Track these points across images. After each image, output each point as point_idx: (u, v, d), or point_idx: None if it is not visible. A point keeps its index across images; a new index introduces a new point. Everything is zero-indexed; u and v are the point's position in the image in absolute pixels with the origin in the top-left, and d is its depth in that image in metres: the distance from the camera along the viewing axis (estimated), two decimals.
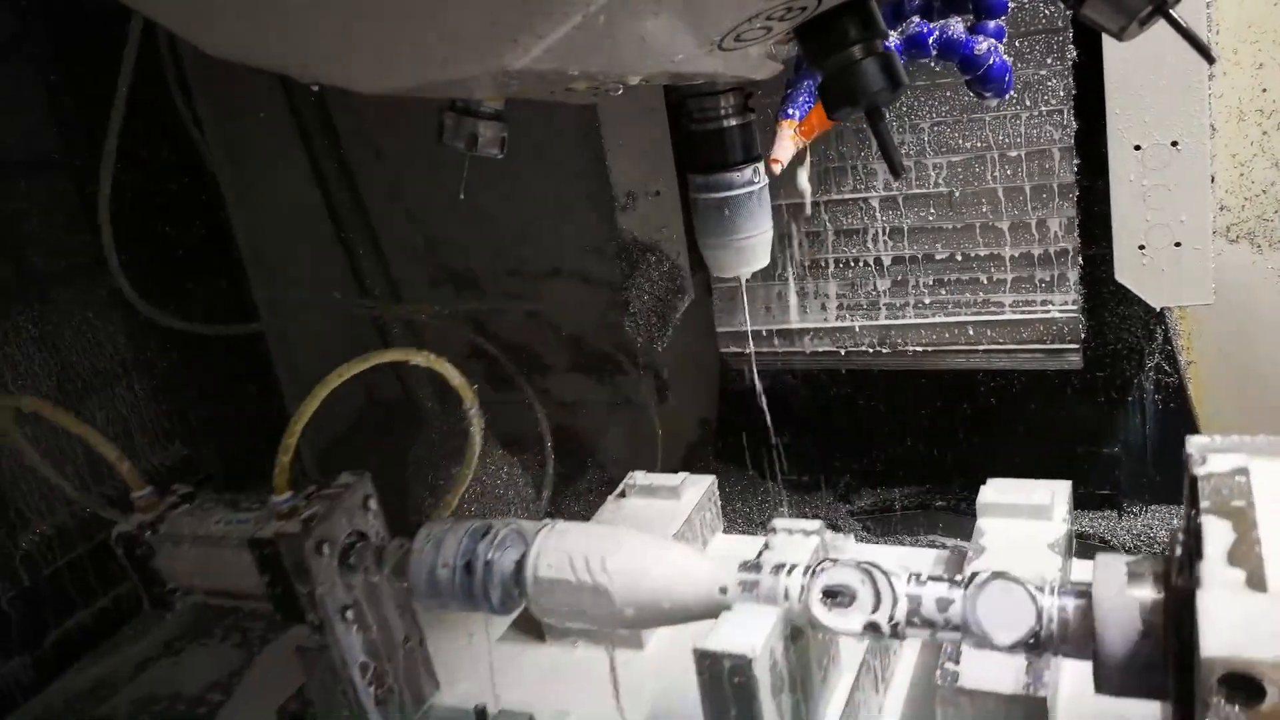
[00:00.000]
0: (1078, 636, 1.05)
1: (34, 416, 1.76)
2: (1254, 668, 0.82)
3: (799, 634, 1.26)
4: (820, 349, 1.98)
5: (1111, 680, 1.01)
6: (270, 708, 1.54)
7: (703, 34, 0.92)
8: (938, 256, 1.84)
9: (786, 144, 1.50)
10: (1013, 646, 1.07)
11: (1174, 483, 1.97)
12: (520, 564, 1.34)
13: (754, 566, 1.25)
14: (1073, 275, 1.77)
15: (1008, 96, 1.67)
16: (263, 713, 1.64)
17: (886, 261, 1.88)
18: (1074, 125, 1.69)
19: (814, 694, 1.34)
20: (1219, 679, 0.83)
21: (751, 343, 1.97)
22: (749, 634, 1.18)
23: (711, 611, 1.23)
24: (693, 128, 1.33)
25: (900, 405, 2.14)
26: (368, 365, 1.54)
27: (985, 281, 1.82)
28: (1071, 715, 1.36)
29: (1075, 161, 1.71)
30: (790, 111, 1.52)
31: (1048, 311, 1.80)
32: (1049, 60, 1.67)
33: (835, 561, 1.20)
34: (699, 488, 1.93)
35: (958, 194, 1.80)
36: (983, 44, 1.43)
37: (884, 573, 1.16)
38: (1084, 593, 1.06)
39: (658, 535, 1.35)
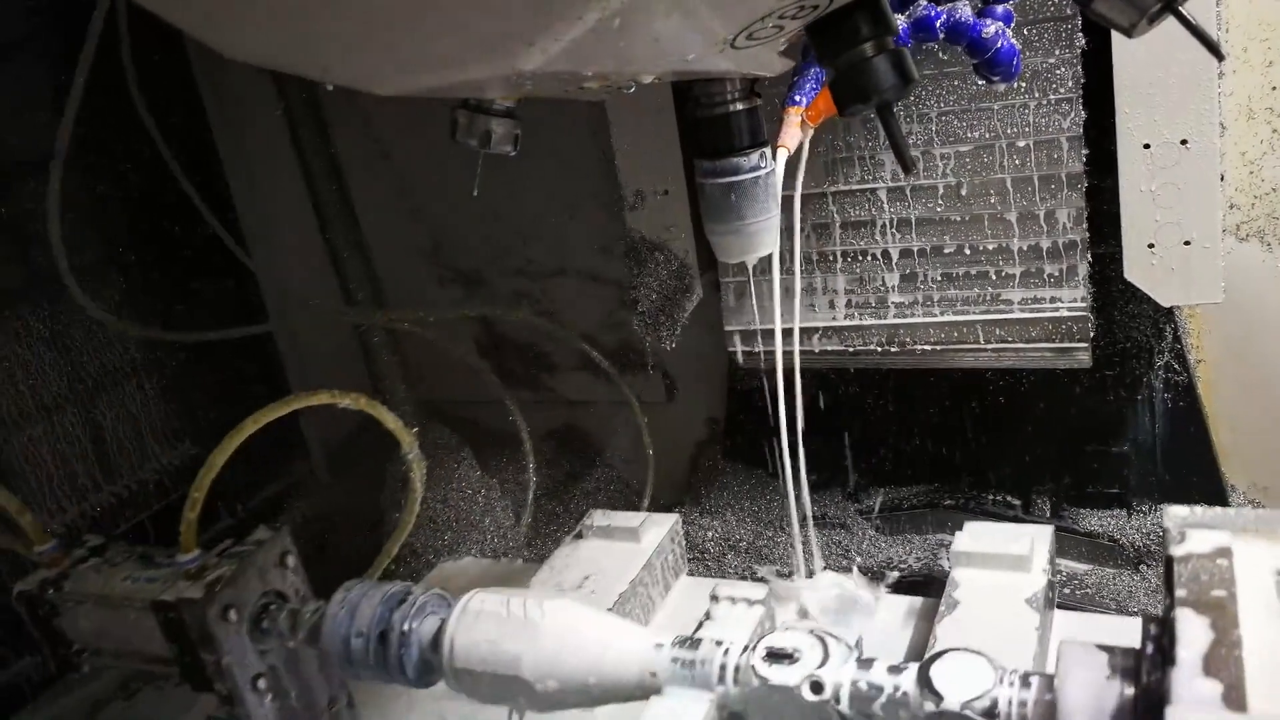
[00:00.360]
0: None
1: None
2: None
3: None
4: (829, 348, 1.98)
5: None
6: None
7: (715, 34, 0.92)
8: (946, 250, 1.84)
9: (793, 130, 1.49)
10: None
11: (1183, 482, 1.97)
12: (438, 638, 1.25)
13: (691, 643, 1.18)
14: (1081, 268, 1.76)
15: (1016, 85, 1.67)
16: None
17: (895, 255, 1.87)
18: (1082, 114, 1.69)
19: None
20: None
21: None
22: None
23: (642, 694, 1.18)
24: (699, 113, 1.33)
25: (909, 404, 2.14)
26: (288, 409, 1.47)
27: (994, 276, 1.82)
28: None
29: (1084, 151, 1.70)
30: (797, 98, 1.52)
31: (1056, 310, 1.80)
32: (1057, 49, 1.66)
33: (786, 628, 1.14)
34: (661, 528, 1.90)
35: (965, 185, 1.79)
36: (990, 27, 1.43)
37: (834, 638, 1.11)
38: (1048, 684, 0.97)
39: (586, 608, 1.26)
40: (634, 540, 1.88)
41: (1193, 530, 0.93)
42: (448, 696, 1.30)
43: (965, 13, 1.43)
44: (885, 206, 1.85)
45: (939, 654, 1.04)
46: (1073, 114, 1.68)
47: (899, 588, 1.90)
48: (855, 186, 1.86)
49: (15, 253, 2.16)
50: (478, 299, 2.57)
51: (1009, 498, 2.09)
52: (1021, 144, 1.73)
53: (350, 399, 1.55)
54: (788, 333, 1.96)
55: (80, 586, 1.50)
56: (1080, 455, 2.01)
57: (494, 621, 1.24)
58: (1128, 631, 0.98)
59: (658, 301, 2.05)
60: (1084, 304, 1.78)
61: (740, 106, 1.30)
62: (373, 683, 1.34)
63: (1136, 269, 1.69)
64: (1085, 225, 1.73)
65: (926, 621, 1.68)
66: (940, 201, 1.81)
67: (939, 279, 1.86)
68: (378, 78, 0.87)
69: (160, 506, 2.39)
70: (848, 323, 1.95)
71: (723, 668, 1.14)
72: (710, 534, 2.15)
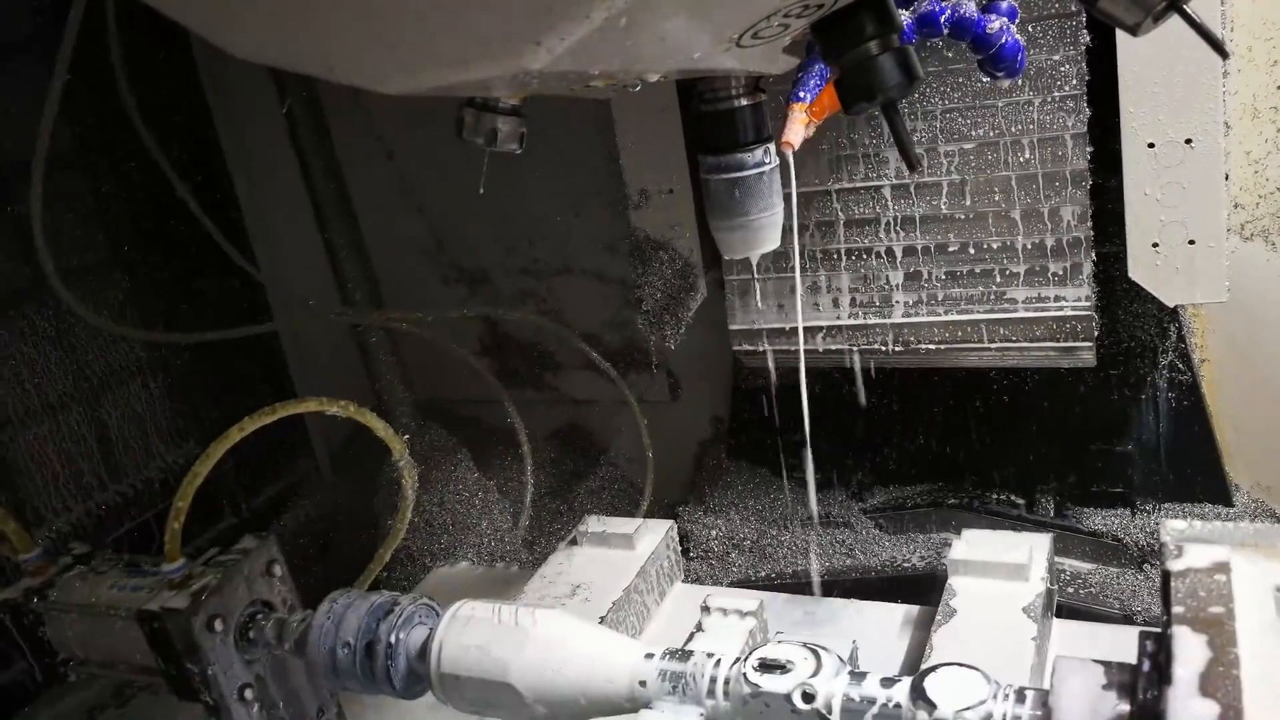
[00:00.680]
0: None
1: None
2: None
3: None
4: (833, 347, 1.98)
5: None
6: None
7: (721, 32, 0.92)
8: (950, 248, 1.84)
9: (798, 127, 1.49)
10: None
11: (1187, 481, 1.97)
12: (425, 647, 1.25)
13: (681, 655, 1.18)
14: (1086, 266, 1.76)
15: (1020, 82, 1.67)
16: None
17: (899, 253, 1.87)
18: (1087, 112, 1.68)
19: None
20: None
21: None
22: None
23: (631, 706, 1.18)
24: (703, 108, 1.33)
25: (913, 403, 2.14)
26: (274, 418, 1.45)
27: (998, 275, 1.82)
28: None
29: (1088, 150, 1.70)
30: (801, 94, 1.51)
31: (1061, 309, 1.80)
32: (1062, 46, 1.66)
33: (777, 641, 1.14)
34: (656, 535, 1.91)
35: (970, 182, 1.79)
36: (995, 23, 1.42)
37: (826, 650, 1.11)
38: (1043, 699, 0.97)
39: (576, 618, 1.26)
40: (629, 547, 1.88)
41: (1190, 545, 0.92)
42: (437, 706, 1.30)
43: (969, 8, 1.42)
44: (889, 204, 1.85)
45: (932, 668, 1.04)
46: (1077, 112, 1.68)
47: (900, 590, 1.90)
48: (859, 184, 1.86)
49: (20, 252, 2.16)
50: (482, 298, 2.58)
51: (1013, 497, 2.08)
52: (1026, 141, 1.73)
53: (339, 406, 1.53)
54: (793, 331, 1.96)
55: (65, 595, 1.49)
56: (1084, 454, 2.01)
57: (484, 628, 1.24)
58: (1127, 642, 0.97)
59: (662, 300, 2.05)
60: (1088, 303, 1.78)
61: (745, 102, 1.31)
62: (360, 693, 1.34)
63: (1141, 268, 1.69)
64: (1089, 223, 1.73)
65: (923, 630, 1.68)
66: (945, 199, 1.81)
67: (943, 277, 1.86)
68: (383, 76, 0.88)
69: (165, 506, 2.39)
70: (852, 322, 1.94)
71: (713, 680, 1.14)
72: (714, 533, 2.15)
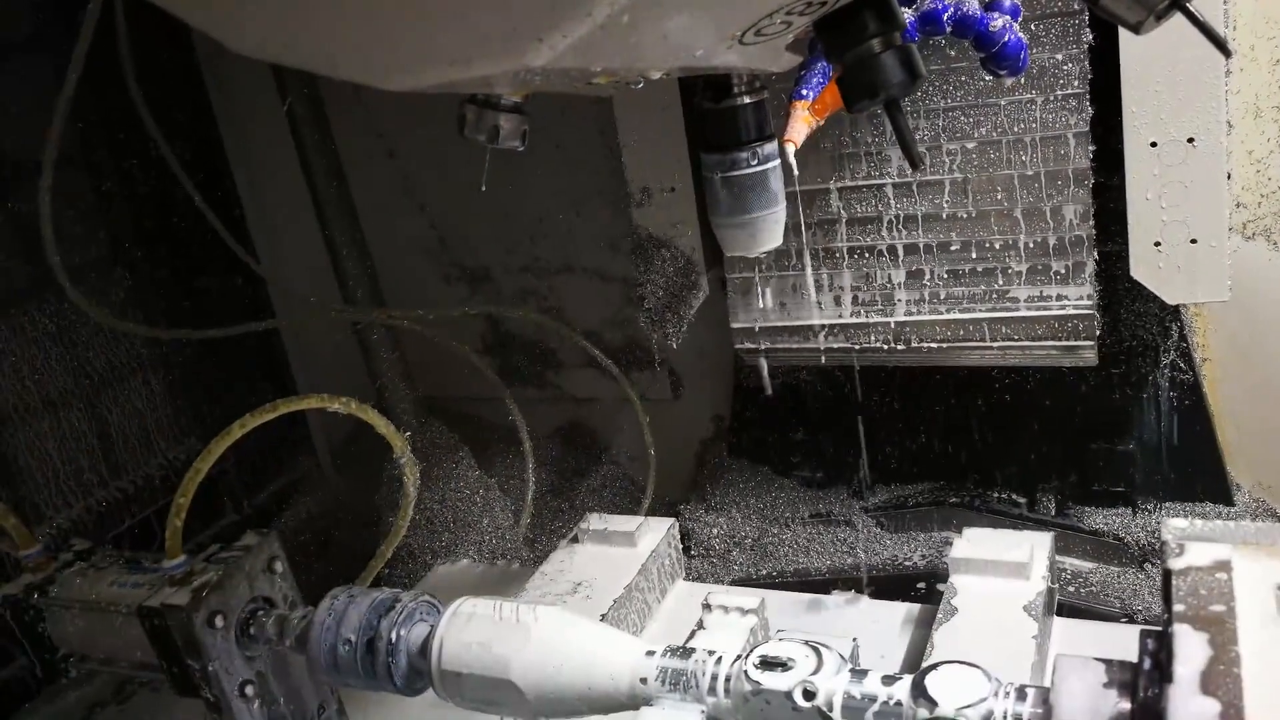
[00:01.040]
0: None
1: None
2: None
3: None
4: (835, 345, 1.97)
5: None
6: None
7: (724, 30, 0.92)
8: (953, 246, 1.83)
9: (800, 125, 1.49)
10: None
11: (1188, 480, 1.97)
12: (426, 644, 1.25)
13: (682, 652, 1.17)
14: (1088, 265, 1.75)
15: (1022, 80, 1.66)
16: None
17: (901, 251, 1.87)
18: (1089, 111, 1.68)
19: None
20: None
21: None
22: None
23: (632, 704, 1.18)
24: (706, 106, 1.33)
25: (914, 401, 2.14)
26: (275, 414, 1.45)
27: (1000, 274, 1.81)
28: None
29: (1091, 148, 1.70)
30: (804, 92, 1.51)
31: (1063, 308, 1.79)
32: (1065, 44, 1.65)
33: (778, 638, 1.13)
34: (657, 533, 1.91)
35: (972, 181, 1.78)
36: (998, 21, 1.42)
37: (827, 647, 1.11)
38: (1044, 696, 0.97)
39: (578, 616, 1.26)
40: (630, 545, 1.88)
41: (1192, 543, 0.92)
42: (438, 703, 1.30)
43: (972, 6, 1.42)
44: (892, 202, 1.84)
45: (933, 665, 1.04)
46: (1080, 110, 1.68)
47: (902, 590, 1.90)
48: (862, 182, 1.85)
49: (22, 250, 2.17)
50: (484, 296, 2.58)
51: (1014, 496, 2.08)
52: (1028, 140, 1.73)
53: (340, 403, 1.53)
54: (794, 330, 1.96)
55: (66, 592, 1.49)
56: (1085, 453, 2.01)
57: (485, 625, 1.24)
58: (1128, 641, 0.97)
59: (664, 298, 2.05)
60: (1090, 302, 1.78)
61: (747, 100, 1.30)
62: (361, 690, 1.34)
63: (1143, 267, 1.69)
64: (1091, 222, 1.73)
65: (924, 629, 1.68)
66: (947, 198, 1.81)
67: (945, 276, 1.85)
68: (385, 73, 0.87)
69: (165, 502, 2.39)
70: (854, 320, 1.94)
71: (714, 677, 1.14)
72: (715, 531, 2.15)
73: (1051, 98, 1.69)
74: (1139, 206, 1.66)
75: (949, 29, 1.43)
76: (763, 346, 2.02)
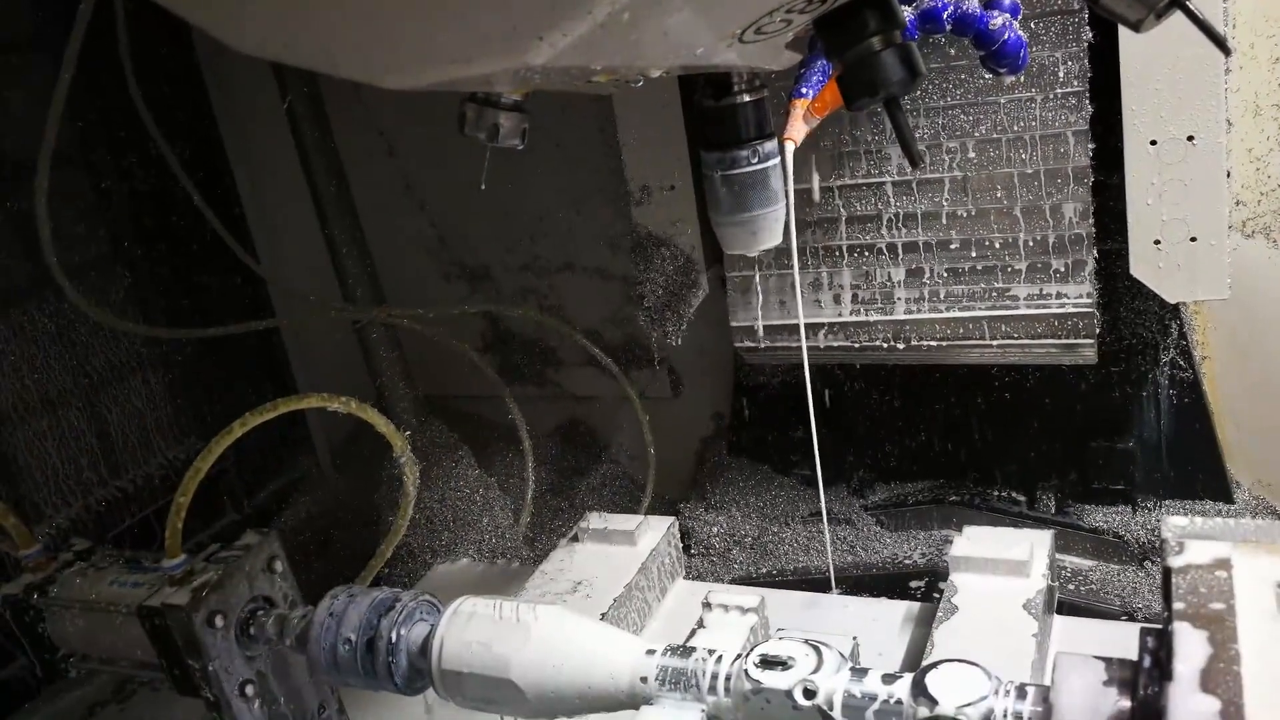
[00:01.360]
0: None
1: None
2: None
3: None
4: (835, 344, 1.98)
5: None
6: None
7: (724, 28, 0.92)
8: (952, 245, 1.83)
9: (800, 123, 1.49)
10: None
11: (1188, 478, 1.97)
12: (427, 643, 1.25)
13: (682, 651, 1.17)
14: (1088, 263, 1.75)
15: (1022, 79, 1.66)
16: None
17: (900, 250, 1.87)
18: (1089, 109, 1.68)
19: None
20: None
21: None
22: None
23: (632, 703, 1.17)
24: (706, 104, 1.33)
25: (914, 400, 2.14)
26: (275, 413, 1.44)
27: (1000, 272, 1.81)
28: None
29: (1090, 146, 1.70)
30: (804, 90, 1.51)
31: (1063, 306, 1.79)
32: (1064, 43, 1.65)
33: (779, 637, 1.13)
34: (657, 531, 1.91)
35: (972, 179, 1.78)
36: (998, 19, 1.42)
37: (827, 646, 1.11)
38: (1044, 694, 0.97)
39: (578, 614, 1.26)
40: (630, 544, 1.88)
41: (1192, 541, 0.91)
42: (439, 703, 1.30)
43: (972, 4, 1.42)
44: (891, 200, 1.84)
45: (934, 664, 1.04)
46: (1079, 109, 1.68)
47: (902, 588, 1.91)
48: (861, 180, 1.85)
49: (21, 249, 2.16)
50: (484, 294, 2.58)
51: (1014, 494, 2.09)
52: (1028, 138, 1.73)
53: (340, 402, 1.52)
54: (794, 329, 1.96)
55: (66, 591, 1.48)
56: (1085, 451, 2.01)
57: (485, 624, 1.24)
58: (1128, 639, 0.97)
59: (664, 297, 2.05)
60: (1089, 300, 1.78)
61: (747, 99, 1.30)
62: (361, 689, 1.33)
63: (1142, 265, 1.69)
64: (1091, 220, 1.73)
65: (924, 627, 1.68)
66: (947, 196, 1.81)
67: (945, 274, 1.85)
68: (384, 72, 0.88)
69: (165, 502, 2.39)
70: (854, 319, 1.94)
71: (714, 676, 1.13)
72: (715, 529, 2.15)
73: (1051, 96, 1.69)
74: (1139, 205, 1.66)
75: (949, 27, 1.43)
76: (762, 345, 2.01)
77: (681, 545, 2.01)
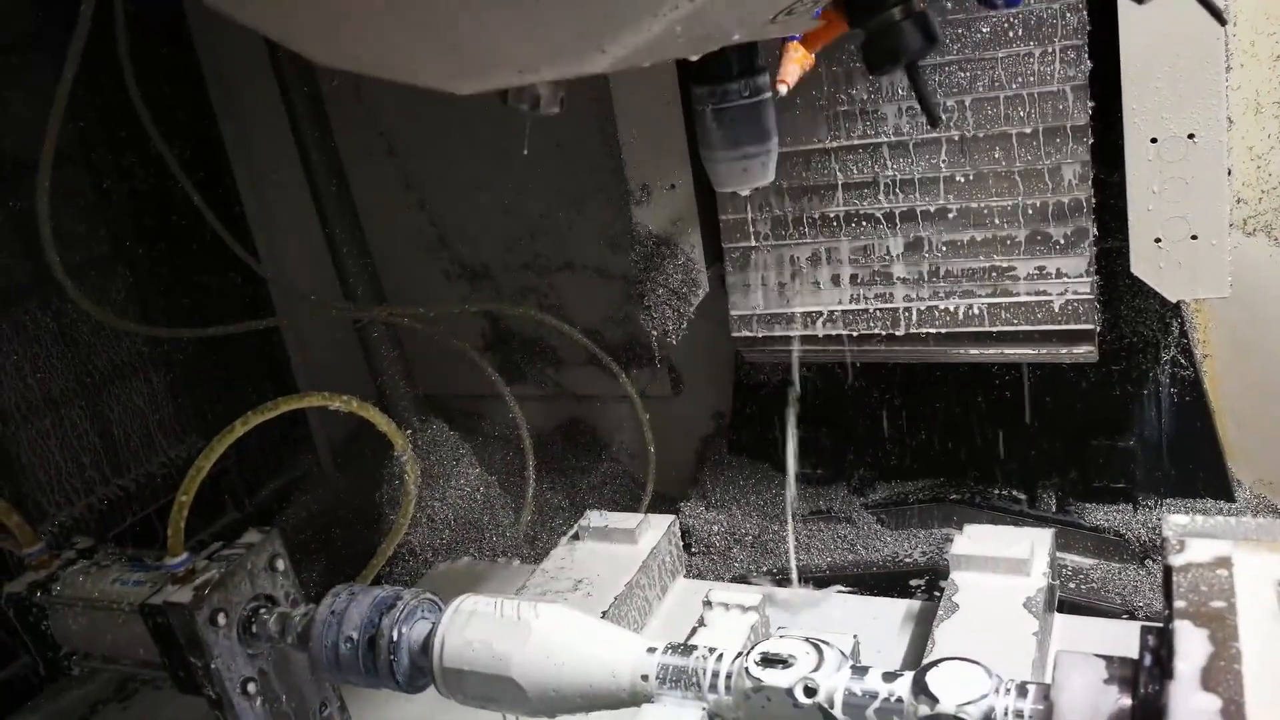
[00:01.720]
0: None
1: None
2: None
3: None
4: (833, 332, 1.95)
5: None
6: None
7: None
8: (950, 213, 1.80)
9: (793, 66, 1.48)
10: None
11: (1189, 476, 1.97)
12: (428, 642, 1.25)
13: (683, 649, 1.18)
14: (1089, 231, 1.72)
15: (1019, 32, 1.63)
16: None
17: (898, 218, 1.83)
18: (1088, 63, 1.65)
19: None
20: None
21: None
22: None
23: (633, 700, 1.18)
24: None
25: (915, 398, 2.14)
26: (277, 412, 1.45)
27: (1000, 244, 1.77)
28: None
29: (1090, 103, 1.67)
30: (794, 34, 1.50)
31: (1063, 289, 1.77)
32: None
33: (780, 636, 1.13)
34: (658, 530, 1.91)
35: (969, 138, 1.75)
36: None
37: (828, 644, 1.11)
38: (1045, 692, 0.97)
39: (578, 613, 1.27)
40: (631, 542, 1.88)
41: (1192, 539, 0.92)
42: (439, 700, 1.30)
43: None
44: (888, 163, 1.81)
45: (934, 662, 1.04)
46: (1078, 63, 1.64)
47: (902, 587, 1.91)
48: (857, 141, 1.82)
49: (22, 248, 2.17)
50: (484, 293, 2.58)
51: (1015, 492, 2.09)
52: (1025, 95, 1.69)
53: (341, 401, 1.53)
54: (791, 320, 1.95)
55: (69, 589, 1.49)
56: (1086, 450, 2.01)
57: (486, 622, 1.24)
58: (1128, 637, 0.98)
59: (664, 296, 2.05)
60: (1089, 280, 1.75)
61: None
62: (362, 687, 1.34)
63: (1143, 263, 1.69)
64: (1090, 183, 1.70)
65: (924, 625, 1.68)
66: (944, 157, 1.77)
67: (944, 247, 1.81)
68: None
69: (167, 500, 2.39)
70: (852, 306, 1.92)
71: (715, 674, 1.14)
72: (716, 528, 2.15)
73: (1049, 50, 1.65)
74: (1139, 203, 1.66)
75: None
76: (759, 335, 2.01)
77: (682, 544, 2.01)
